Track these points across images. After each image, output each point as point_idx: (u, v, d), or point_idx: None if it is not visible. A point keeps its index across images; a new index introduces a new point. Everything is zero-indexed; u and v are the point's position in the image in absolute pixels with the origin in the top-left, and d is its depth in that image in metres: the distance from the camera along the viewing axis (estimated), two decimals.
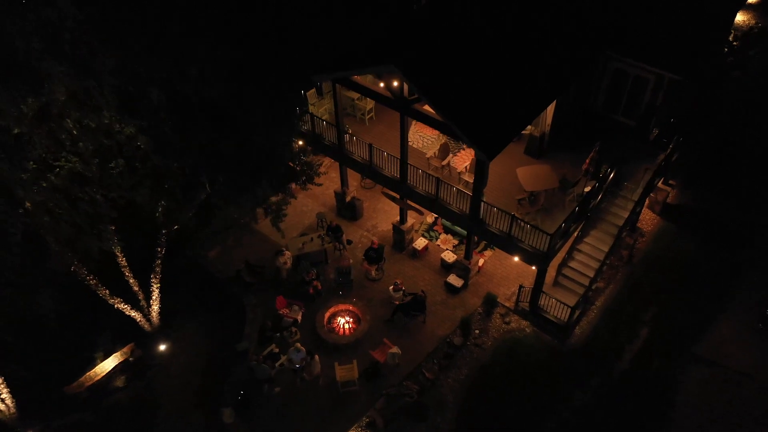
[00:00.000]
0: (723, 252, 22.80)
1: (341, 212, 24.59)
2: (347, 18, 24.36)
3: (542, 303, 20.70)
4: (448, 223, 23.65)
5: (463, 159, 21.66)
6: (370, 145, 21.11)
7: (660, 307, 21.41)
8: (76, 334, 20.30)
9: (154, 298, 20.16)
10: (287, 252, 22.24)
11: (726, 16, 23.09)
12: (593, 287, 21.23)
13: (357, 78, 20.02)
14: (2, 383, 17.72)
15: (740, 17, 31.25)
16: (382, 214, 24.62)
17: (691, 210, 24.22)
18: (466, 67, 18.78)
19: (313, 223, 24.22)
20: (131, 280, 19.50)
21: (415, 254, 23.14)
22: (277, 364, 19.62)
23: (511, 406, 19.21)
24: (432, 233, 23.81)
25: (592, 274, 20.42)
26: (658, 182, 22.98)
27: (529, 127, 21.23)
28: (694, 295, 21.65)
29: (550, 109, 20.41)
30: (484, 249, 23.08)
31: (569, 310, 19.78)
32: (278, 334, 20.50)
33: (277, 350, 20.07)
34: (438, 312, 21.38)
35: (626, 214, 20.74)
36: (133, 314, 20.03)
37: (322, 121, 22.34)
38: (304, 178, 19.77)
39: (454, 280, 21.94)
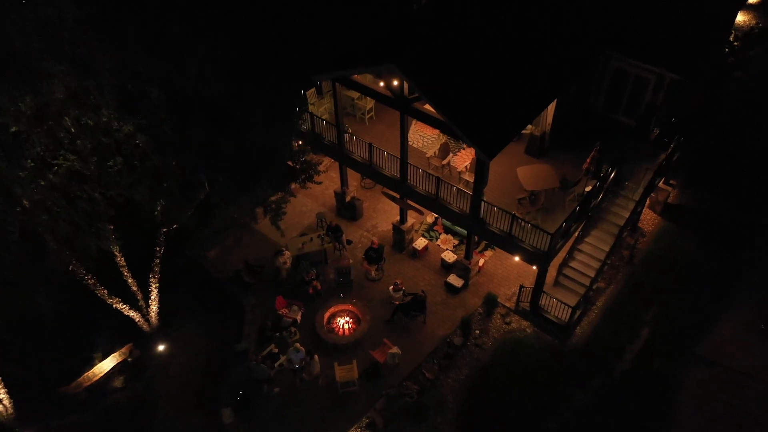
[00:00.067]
0: (724, 252, 22.72)
1: (341, 212, 24.51)
2: (347, 18, 24.31)
3: (543, 303, 20.61)
4: (448, 223, 23.58)
5: (463, 158, 21.59)
6: (370, 145, 21.04)
7: (661, 307, 21.32)
8: (74, 334, 20.19)
9: (152, 298, 20.07)
10: (287, 252, 22.15)
11: (726, 15, 23.07)
12: (594, 287, 21.15)
13: (357, 77, 19.95)
14: (0, 383, 17.59)
15: (741, 17, 31.20)
16: (382, 214, 24.54)
17: (692, 210, 24.15)
18: (466, 67, 18.72)
19: (313, 223, 24.14)
20: (130, 280, 19.41)
21: (415, 254, 23.06)
22: (276, 365, 19.53)
23: (511, 407, 19.12)
24: (432, 233, 23.73)
25: (593, 274, 20.34)
26: (659, 182, 22.92)
27: (529, 126, 21.18)
28: (696, 295, 21.57)
29: (551, 108, 20.35)
30: (485, 249, 23.01)
31: (570, 310, 19.70)
32: (277, 334, 20.41)
33: (276, 350, 19.98)
34: (438, 312, 21.30)
35: (627, 214, 20.67)
36: (132, 314, 19.94)
37: (322, 120, 22.27)
38: (303, 176, 19.68)
39: (454, 280, 21.86)
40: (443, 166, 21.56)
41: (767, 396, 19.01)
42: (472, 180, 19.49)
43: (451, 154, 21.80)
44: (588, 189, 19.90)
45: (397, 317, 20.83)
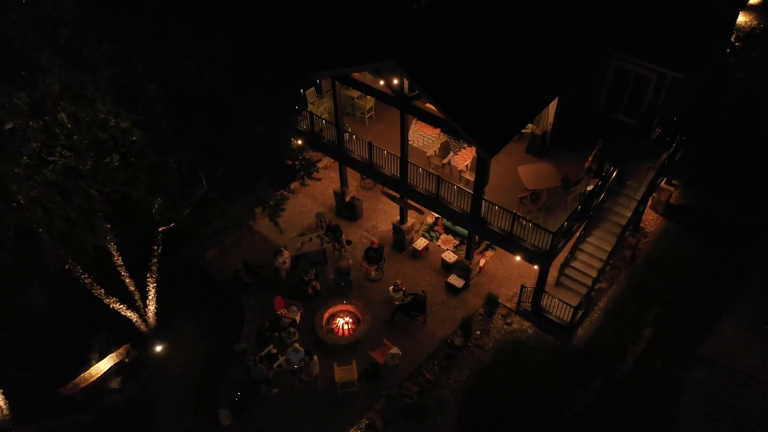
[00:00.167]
0: (726, 253, 22.57)
1: (341, 212, 24.36)
2: (347, 18, 24.24)
3: (544, 303, 20.44)
4: (448, 224, 23.42)
5: (463, 158, 21.45)
6: (370, 144, 20.90)
7: (663, 307, 21.16)
8: (71, 334, 20.05)
9: (150, 298, 19.90)
10: (286, 252, 21.99)
11: (727, 15, 23.01)
12: (596, 287, 20.98)
13: (356, 76, 19.82)
14: None
15: (742, 18, 31.14)
16: (382, 215, 24.38)
17: (694, 210, 24.00)
18: (467, 65, 18.58)
19: (313, 223, 23.98)
20: (127, 280, 19.24)
21: (416, 254, 22.89)
22: (275, 365, 19.34)
23: (512, 408, 18.93)
24: (432, 233, 23.57)
25: (594, 274, 20.18)
26: (661, 182, 22.78)
27: (530, 125, 21.09)
28: (697, 295, 21.41)
29: (552, 107, 20.22)
30: (486, 249, 22.85)
31: (572, 310, 19.53)
32: (276, 335, 20.23)
33: (275, 351, 19.79)
34: (438, 312, 21.12)
35: (629, 214, 20.52)
36: (129, 314, 19.76)
37: (322, 119, 22.13)
38: (302, 173, 19.54)
39: (454, 280, 21.69)
40: (444, 165, 21.42)
41: None
42: (472, 179, 19.35)
43: (451, 153, 21.66)
44: (590, 188, 19.76)
45: (397, 318, 20.66)
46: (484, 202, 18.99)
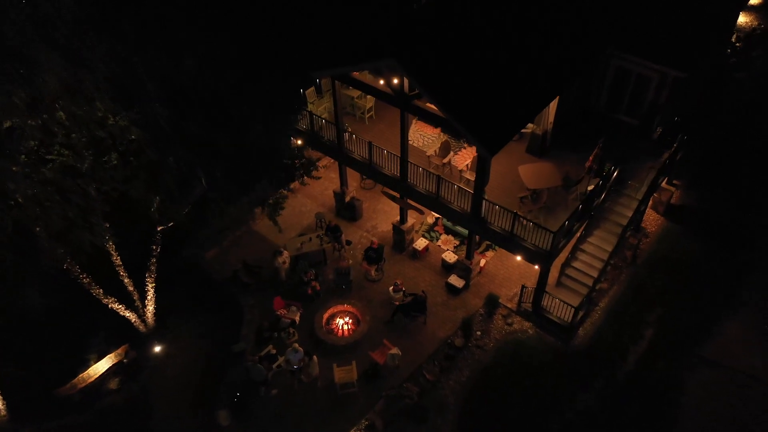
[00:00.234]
0: (727, 253, 22.46)
1: (340, 213, 24.26)
2: (347, 18, 24.20)
3: (545, 303, 20.34)
4: (449, 224, 23.33)
5: (464, 157, 21.37)
6: (370, 143, 20.81)
7: (664, 308, 21.05)
8: (69, 335, 19.92)
9: (149, 298, 19.79)
10: (285, 252, 21.88)
11: (728, 15, 22.97)
12: (597, 288, 20.89)
13: (356, 75, 19.74)
14: None
15: (743, 19, 31.09)
16: (382, 215, 24.28)
17: (695, 210, 23.90)
18: (467, 64, 18.49)
19: (312, 223, 23.87)
20: (126, 280, 19.13)
21: (416, 255, 22.79)
22: (274, 366, 19.23)
23: (513, 408, 18.81)
24: (433, 234, 23.47)
25: (596, 274, 20.07)
26: (662, 182, 22.69)
27: (531, 125, 21.01)
28: (699, 296, 21.30)
29: (553, 106, 20.14)
30: (486, 249, 22.75)
31: (573, 310, 19.42)
32: (276, 335, 20.12)
33: (274, 351, 19.68)
34: (439, 313, 21.01)
35: (630, 213, 20.42)
36: (128, 315, 19.64)
37: (321, 119, 22.05)
38: (301, 172, 19.46)
39: (455, 280, 21.59)
40: (444, 164, 21.33)
41: None
42: (473, 179, 19.26)
43: (451, 153, 21.58)
44: (591, 188, 19.67)
45: (397, 318, 20.55)
46: (484, 201, 18.89)
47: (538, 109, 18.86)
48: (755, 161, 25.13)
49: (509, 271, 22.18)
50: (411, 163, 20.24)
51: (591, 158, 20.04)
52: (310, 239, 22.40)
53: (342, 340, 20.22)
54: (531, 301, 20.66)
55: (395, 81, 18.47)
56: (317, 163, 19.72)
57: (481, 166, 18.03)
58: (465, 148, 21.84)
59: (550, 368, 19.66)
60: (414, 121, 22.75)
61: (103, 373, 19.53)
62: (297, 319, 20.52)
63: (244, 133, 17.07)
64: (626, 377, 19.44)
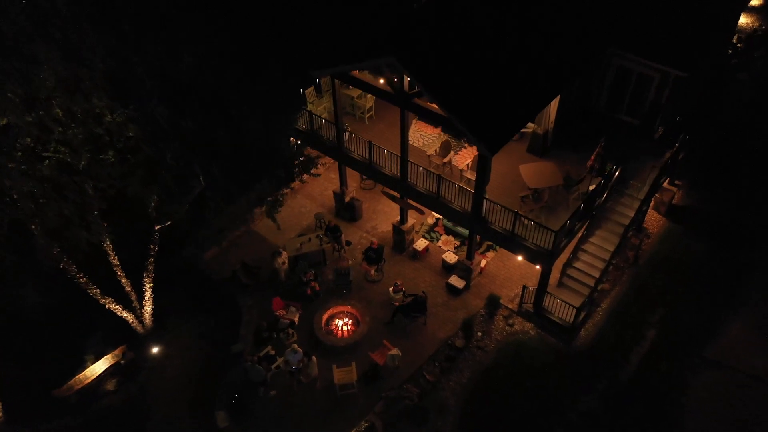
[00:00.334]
0: (730, 253, 22.31)
1: (340, 213, 24.11)
2: (347, 17, 24.13)
3: (547, 304, 20.17)
4: (449, 224, 23.18)
5: (464, 157, 21.25)
6: (370, 143, 20.68)
7: (667, 308, 20.89)
8: (66, 335, 19.75)
9: (147, 298, 19.63)
10: (284, 252, 21.72)
11: (728, 16, 22.91)
12: (599, 288, 20.72)
13: (356, 74, 19.62)
14: None
15: (744, 20, 31.03)
16: (382, 215, 24.13)
17: (697, 211, 23.77)
18: (467, 63, 18.38)
19: (312, 224, 23.72)
20: (123, 280, 18.98)
21: (416, 255, 22.63)
22: (273, 366, 19.05)
23: (514, 410, 18.63)
24: (433, 234, 23.32)
25: (597, 275, 19.92)
26: (664, 182, 22.55)
27: (531, 125, 20.89)
28: (701, 296, 21.15)
29: (554, 105, 20.01)
30: (487, 250, 22.59)
31: (575, 311, 19.25)
32: (275, 335, 19.94)
33: (273, 352, 19.50)
34: (439, 314, 20.84)
35: (632, 213, 20.28)
36: (126, 315, 19.48)
37: (321, 118, 21.92)
38: (300, 169, 19.33)
39: (455, 281, 21.43)
40: (444, 164, 21.19)
41: None
42: (473, 178, 19.12)
43: (452, 152, 21.45)
44: (592, 187, 19.53)
45: (397, 319, 20.38)
46: (485, 201, 18.75)
47: (539, 108, 18.75)
48: (757, 161, 25.01)
49: (510, 271, 22.02)
50: (411, 162, 20.10)
51: (593, 157, 19.91)
52: (310, 240, 22.26)
53: (341, 340, 20.04)
54: (532, 301, 20.49)
55: (395, 79, 18.35)
56: (316, 161, 19.53)
57: (482, 166, 17.89)
58: (465, 147, 21.71)
59: (551, 369, 19.48)
60: (414, 121, 22.63)
61: (100, 375, 19.40)
62: (296, 319, 20.36)
63: (244, 133, 16.96)
64: (628, 378, 19.28)
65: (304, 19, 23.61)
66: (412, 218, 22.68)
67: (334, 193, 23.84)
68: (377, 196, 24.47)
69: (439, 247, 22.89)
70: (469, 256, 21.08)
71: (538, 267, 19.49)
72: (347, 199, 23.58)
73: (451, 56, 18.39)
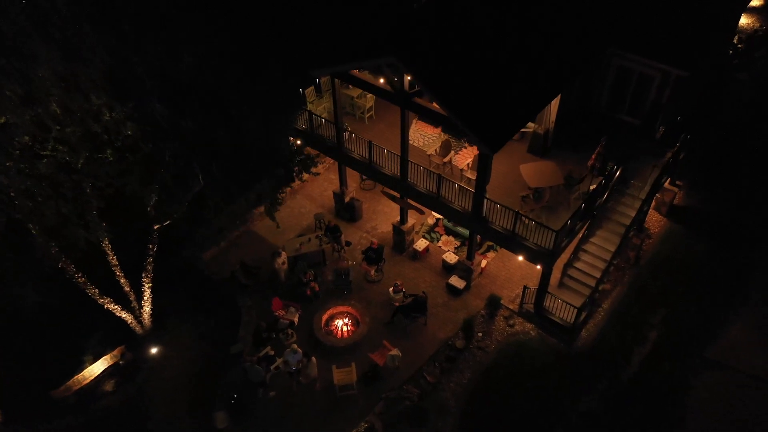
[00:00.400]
0: (731, 254, 22.24)
1: (340, 213, 24.04)
2: (347, 17, 24.10)
3: (547, 304, 20.09)
4: (449, 225, 23.10)
5: (465, 157, 21.18)
6: (370, 143, 20.62)
7: (668, 309, 20.80)
8: (64, 336, 19.66)
9: (145, 298, 19.55)
10: (284, 253, 21.64)
11: (728, 16, 22.87)
12: (600, 289, 20.64)
13: (356, 73, 19.57)
14: None
15: (744, 20, 31.00)
16: (382, 216, 24.06)
17: (698, 211, 23.70)
18: (467, 62, 18.33)
19: (311, 224, 23.64)
20: (122, 280, 18.91)
21: (416, 256, 22.55)
22: (272, 367, 18.95)
23: (515, 411, 18.54)
24: (433, 234, 23.24)
25: (598, 275, 19.85)
26: (665, 182, 22.47)
27: (532, 124, 20.83)
28: (704, 297, 21.06)
29: (554, 105, 19.95)
30: (487, 250, 22.51)
31: (575, 311, 19.16)
32: (274, 336, 19.86)
33: (272, 353, 19.40)
34: (439, 314, 20.76)
35: (633, 213, 20.21)
36: (124, 315, 19.40)
37: (321, 118, 21.86)
38: (299, 168, 19.27)
39: (455, 281, 21.35)
40: (444, 164, 21.12)
41: None
42: (474, 178, 19.05)
43: (452, 152, 21.39)
44: (593, 187, 19.46)
45: (397, 319, 20.29)
46: (485, 200, 18.68)
47: (540, 107, 18.69)
48: (757, 161, 24.95)
49: (511, 272, 21.95)
50: (411, 162, 20.04)
51: (594, 157, 19.85)
52: (309, 240, 22.19)
53: (341, 341, 19.96)
54: (533, 302, 20.41)
55: (395, 78, 18.29)
56: (315, 160, 19.46)
57: (483, 165, 17.82)
58: (466, 147, 21.66)
59: (552, 370, 19.40)
60: (414, 121, 22.57)
61: (98, 375, 19.33)
62: (296, 320, 20.27)
63: (244, 133, 16.91)
64: (629, 378, 19.19)
65: (304, 19, 23.57)
66: (412, 218, 22.61)
67: (334, 193, 23.78)
68: (377, 196, 24.41)
69: (440, 247, 22.82)
70: (470, 256, 21.00)
71: (538, 267, 19.41)
72: (347, 199, 23.52)
73: (451, 56, 18.33)
